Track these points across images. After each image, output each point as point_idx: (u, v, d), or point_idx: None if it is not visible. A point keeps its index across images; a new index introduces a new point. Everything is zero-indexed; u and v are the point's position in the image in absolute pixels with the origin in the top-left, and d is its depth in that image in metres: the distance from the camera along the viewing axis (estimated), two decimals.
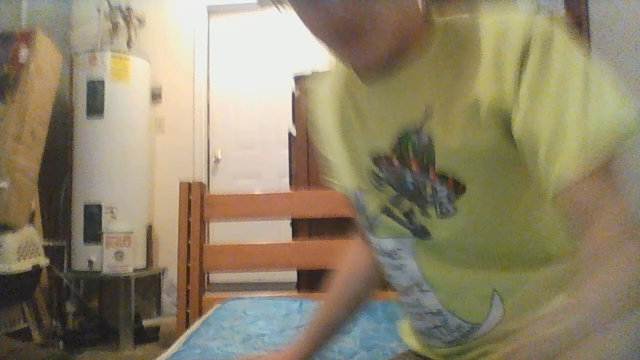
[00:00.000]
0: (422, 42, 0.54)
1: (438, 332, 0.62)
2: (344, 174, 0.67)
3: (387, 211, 0.60)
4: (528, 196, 0.55)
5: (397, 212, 0.59)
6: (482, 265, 0.56)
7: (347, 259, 0.80)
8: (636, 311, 0.40)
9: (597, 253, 0.42)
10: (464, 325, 0.58)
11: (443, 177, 0.53)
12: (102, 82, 2.99)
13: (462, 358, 0.61)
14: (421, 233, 0.57)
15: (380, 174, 0.59)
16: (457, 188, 0.52)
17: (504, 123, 0.49)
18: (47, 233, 2.87)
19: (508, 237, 0.55)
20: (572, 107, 0.45)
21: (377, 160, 0.59)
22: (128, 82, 3.08)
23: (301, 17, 0.52)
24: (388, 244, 0.61)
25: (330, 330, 0.79)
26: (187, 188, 1.81)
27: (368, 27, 0.49)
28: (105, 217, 2.91)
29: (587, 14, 2.63)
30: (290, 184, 2.32)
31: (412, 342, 0.72)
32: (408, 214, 0.58)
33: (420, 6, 0.54)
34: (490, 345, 0.57)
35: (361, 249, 0.77)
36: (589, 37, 2.52)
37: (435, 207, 0.54)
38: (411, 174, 0.55)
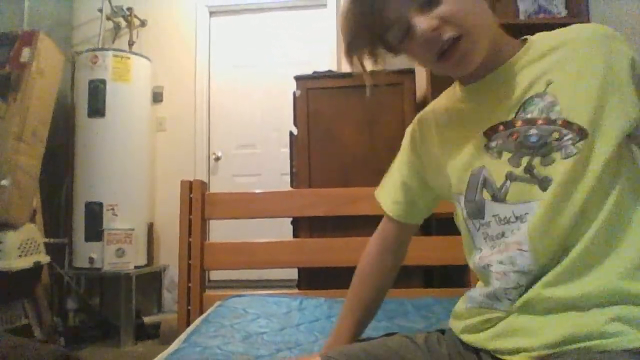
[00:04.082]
0: (512, 51, 0.74)
1: (504, 294, 0.70)
2: (452, 171, 0.80)
3: (510, 176, 0.71)
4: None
5: (517, 171, 0.70)
6: (570, 223, 0.66)
7: (366, 258, 0.94)
8: None
9: None
10: (533, 270, 0.67)
11: (569, 124, 0.67)
12: (103, 82, 3.00)
13: (499, 340, 0.69)
14: (544, 183, 0.68)
15: (492, 144, 0.73)
16: (582, 133, 0.66)
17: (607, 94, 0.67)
18: (49, 231, 2.88)
19: (604, 197, 0.66)
20: None
21: (489, 131, 0.74)
22: (129, 82, 3.09)
23: (412, 56, 0.73)
24: (517, 209, 0.70)
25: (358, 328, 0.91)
26: (189, 186, 1.82)
27: (471, 50, 0.68)
28: (106, 215, 2.92)
29: (588, 14, 2.64)
30: (291, 182, 2.33)
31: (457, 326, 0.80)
32: (529, 169, 0.69)
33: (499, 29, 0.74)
34: (544, 289, 0.65)
35: (380, 246, 0.93)
36: None
37: (561, 151, 0.67)
38: (536, 128, 0.69)
